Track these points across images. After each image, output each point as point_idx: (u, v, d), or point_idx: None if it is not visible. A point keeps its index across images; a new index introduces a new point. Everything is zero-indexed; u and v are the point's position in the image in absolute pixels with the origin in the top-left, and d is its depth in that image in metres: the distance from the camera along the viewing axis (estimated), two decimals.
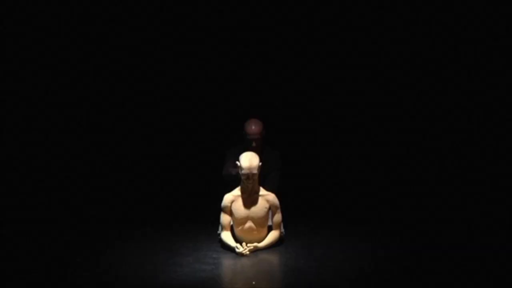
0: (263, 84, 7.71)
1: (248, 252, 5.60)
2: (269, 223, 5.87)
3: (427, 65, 7.55)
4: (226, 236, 5.79)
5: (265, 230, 5.84)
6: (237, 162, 5.93)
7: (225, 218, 5.90)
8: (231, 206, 5.91)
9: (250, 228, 5.75)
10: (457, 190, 7.16)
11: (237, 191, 5.98)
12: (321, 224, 6.45)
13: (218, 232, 5.90)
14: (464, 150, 7.44)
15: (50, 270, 5.15)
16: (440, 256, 5.35)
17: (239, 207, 5.87)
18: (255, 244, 5.68)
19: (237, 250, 5.59)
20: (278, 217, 5.84)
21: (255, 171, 5.85)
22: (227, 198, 5.95)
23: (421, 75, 7.57)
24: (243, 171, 5.84)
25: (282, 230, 5.91)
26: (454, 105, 7.51)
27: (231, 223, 5.83)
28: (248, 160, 5.86)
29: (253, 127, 6.27)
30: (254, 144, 6.23)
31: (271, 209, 5.84)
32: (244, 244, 5.73)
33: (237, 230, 5.79)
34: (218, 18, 7.59)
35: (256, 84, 7.78)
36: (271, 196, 5.92)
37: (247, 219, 5.76)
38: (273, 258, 5.48)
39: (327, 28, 7.60)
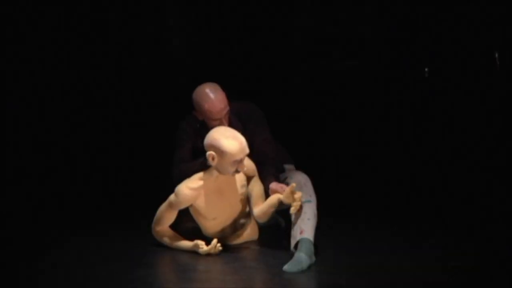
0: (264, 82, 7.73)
1: (221, 248, 4.49)
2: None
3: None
4: (171, 237, 4.63)
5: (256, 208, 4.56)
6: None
7: (171, 216, 4.57)
8: (192, 204, 4.49)
9: (231, 218, 4.63)
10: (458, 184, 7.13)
11: (196, 182, 4.49)
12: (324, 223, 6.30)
13: (156, 231, 4.64)
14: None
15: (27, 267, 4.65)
16: (440, 256, 5.18)
17: (208, 201, 4.51)
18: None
19: (200, 250, 4.48)
20: (259, 186, 4.56)
21: (248, 150, 4.37)
22: (188, 194, 4.47)
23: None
24: (236, 158, 4.30)
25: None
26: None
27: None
28: (237, 140, 4.31)
29: (216, 99, 4.47)
30: (225, 124, 4.56)
31: (249, 178, 4.55)
32: (215, 241, 4.47)
33: (211, 227, 4.63)
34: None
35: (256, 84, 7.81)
36: (247, 161, 4.50)
37: (224, 209, 4.58)
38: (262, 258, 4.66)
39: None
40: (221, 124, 4.58)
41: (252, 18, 7.69)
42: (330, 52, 8.08)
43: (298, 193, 4.37)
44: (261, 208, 4.58)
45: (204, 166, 4.53)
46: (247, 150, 4.40)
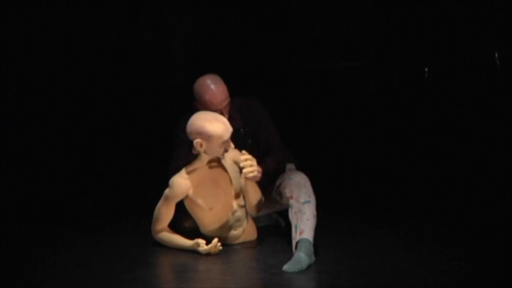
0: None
1: (221, 248, 4.46)
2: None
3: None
4: (171, 237, 4.58)
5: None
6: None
7: (169, 211, 4.51)
8: (187, 195, 4.45)
9: (227, 208, 4.53)
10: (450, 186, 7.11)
11: (189, 171, 4.46)
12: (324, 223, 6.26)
13: (156, 231, 4.60)
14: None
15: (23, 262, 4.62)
16: (440, 256, 5.14)
17: (202, 190, 4.45)
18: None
19: (200, 248, 4.45)
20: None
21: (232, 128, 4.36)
22: (182, 184, 4.42)
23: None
24: (224, 138, 4.29)
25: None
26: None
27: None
28: (220, 122, 4.29)
29: (217, 90, 4.49)
30: (225, 116, 4.56)
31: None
32: (215, 240, 4.44)
33: (209, 222, 4.55)
34: None
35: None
36: (236, 152, 4.48)
37: (219, 197, 4.51)
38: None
39: None
40: (221, 115, 4.53)
41: (253, 18, 7.68)
42: (331, 52, 8.08)
43: (243, 156, 4.34)
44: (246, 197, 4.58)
45: (192, 156, 4.49)
46: (231, 128, 4.37)
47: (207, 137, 4.34)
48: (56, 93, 7.70)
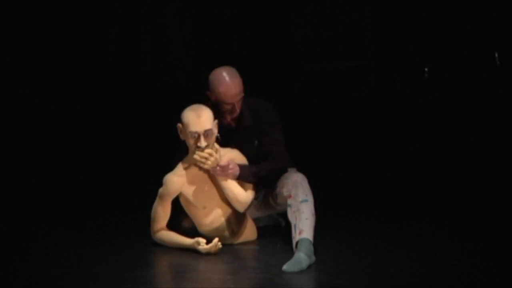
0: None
1: (221, 246, 4.45)
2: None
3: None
4: (171, 236, 4.59)
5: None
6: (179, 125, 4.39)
7: (165, 209, 4.54)
8: (180, 192, 4.48)
9: (222, 208, 4.55)
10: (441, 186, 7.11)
11: (181, 169, 4.49)
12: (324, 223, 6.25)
13: (154, 232, 4.62)
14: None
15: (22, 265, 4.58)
16: (440, 256, 5.13)
17: (195, 188, 4.47)
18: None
19: (200, 247, 4.45)
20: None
21: (209, 126, 4.32)
22: (174, 181, 4.46)
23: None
24: (191, 129, 4.29)
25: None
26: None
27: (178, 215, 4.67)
28: (195, 113, 4.30)
29: (232, 83, 4.45)
30: (237, 111, 4.52)
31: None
32: (216, 239, 4.44)
33: (205, 222, 4.58)
34: None
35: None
36: (235, 153, 4.52)
37: (212, 196, 4.52)
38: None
39: None
40: (233, 109, 4.54)
41: (253, 18, 7.68)
42: (331, 52, 8.09)
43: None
44: None
45: (184, 149, 4.49)
46: (205, 126, 4.34)
47: (182, 122, 4.38)
48: (55, 93, 7.70)
